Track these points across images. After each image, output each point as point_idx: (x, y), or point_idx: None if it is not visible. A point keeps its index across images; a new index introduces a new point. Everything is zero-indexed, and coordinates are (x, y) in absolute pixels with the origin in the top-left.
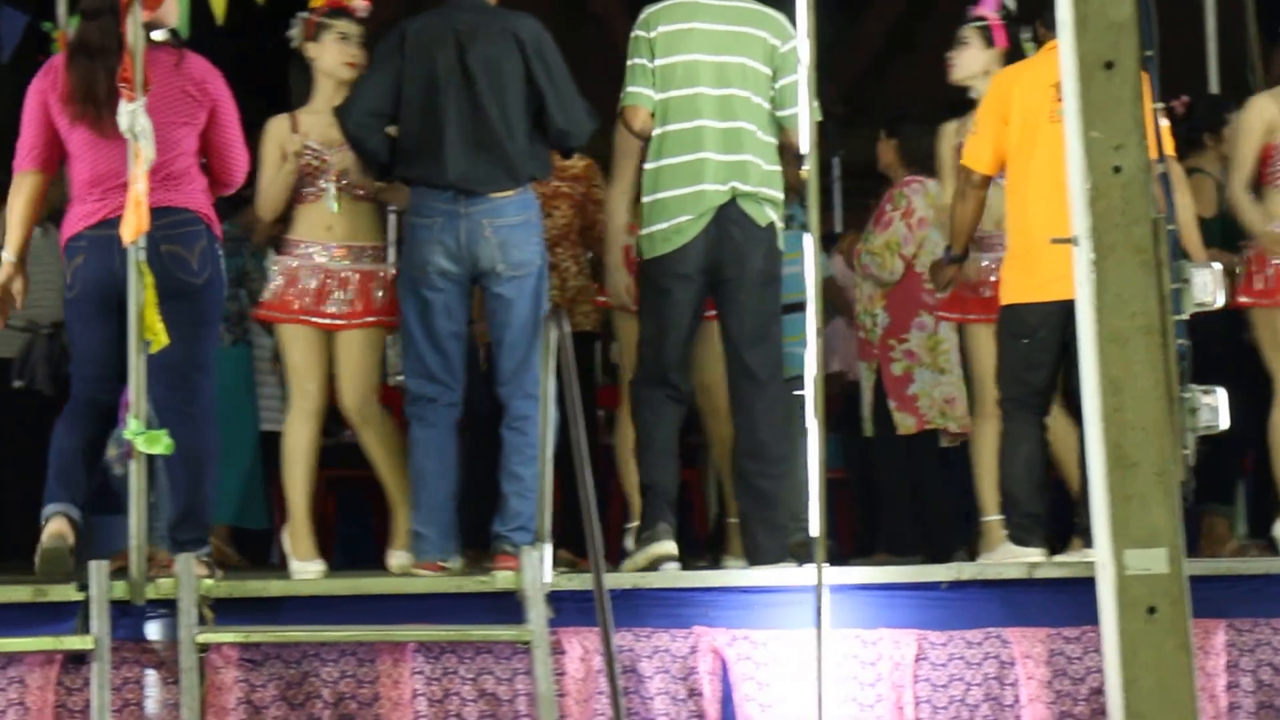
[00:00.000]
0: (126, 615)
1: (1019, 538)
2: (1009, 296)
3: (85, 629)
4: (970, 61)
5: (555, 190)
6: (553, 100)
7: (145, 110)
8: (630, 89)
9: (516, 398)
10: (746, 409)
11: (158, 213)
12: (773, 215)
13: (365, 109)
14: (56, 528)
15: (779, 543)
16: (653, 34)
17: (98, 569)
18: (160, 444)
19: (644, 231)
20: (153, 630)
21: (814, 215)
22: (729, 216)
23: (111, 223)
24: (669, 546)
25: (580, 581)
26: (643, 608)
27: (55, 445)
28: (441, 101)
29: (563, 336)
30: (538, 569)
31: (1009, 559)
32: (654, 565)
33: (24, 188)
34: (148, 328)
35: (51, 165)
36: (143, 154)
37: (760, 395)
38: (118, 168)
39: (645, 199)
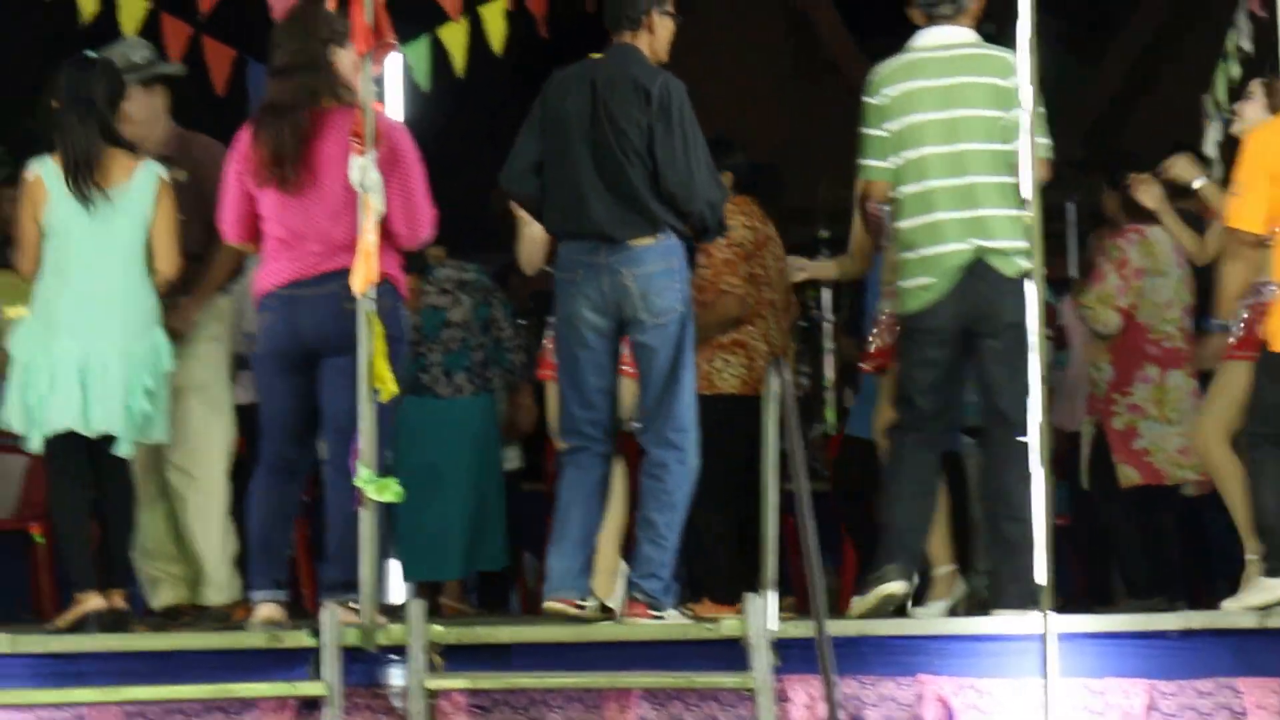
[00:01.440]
0: (358, 661)
1: (1274, 569)
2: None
3: (318, 675)
4: (1255, 115)
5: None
6: (665, 159)
7: (376, 165)
8: (864, 161)
9: (655, 445)
10: (999, 456)
11: (340, 274)
12: (1022, 263)
13: (521, 164)
14: (267, 614)
15: (1023, 589)
16: (879, 99)
17: (330, 615)
18: (390, 491)
19: (899, 284)
20: (384, 676)
21: (1038, 260)
22: (975, 273)
23: (300, 283)
24: (896, 587)
25: (805, 628)
26: (867, 655)
27: (253, 514)
28: (578, 152)
29: (784, 385)
30: (762, 616)
31: (1264, 593)
32: (881, 606)
33: (226, 258)
34: (377, 377)
35: (254, 233)
36: (373, 207)
37: (1010, 442)
38: (304, 227)
39: (899, 256)
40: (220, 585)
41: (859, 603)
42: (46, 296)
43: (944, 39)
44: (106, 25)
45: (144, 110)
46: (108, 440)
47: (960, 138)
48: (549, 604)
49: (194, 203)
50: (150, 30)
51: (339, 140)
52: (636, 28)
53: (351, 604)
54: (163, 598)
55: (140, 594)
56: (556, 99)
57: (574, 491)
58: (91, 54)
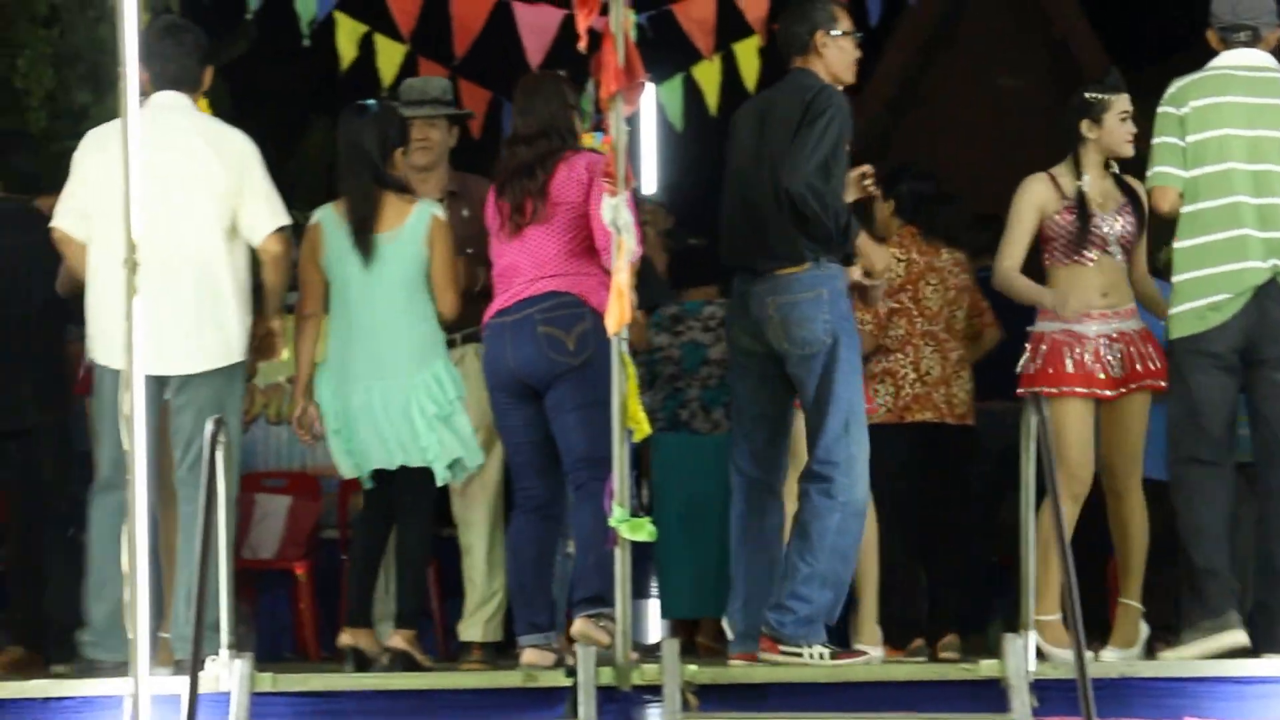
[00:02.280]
0: (613, 701)
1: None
2: None
3: (574, 714)
4: None
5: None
6: (787, 155)
7: (627, 205)
8: (1159, 169)
9: (803, 477)
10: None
11: (540, 298)
12: None
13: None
14: (530, 659)
15: None
16: (1184, 110)
17: (585, 656)
18: (644, 531)
19: (1174, 311)
20: (639, 716)
21: None
22: (1268, 294)
23: (505, 310)
24: (1240, 637)
25: (1065, 670)
26: (1129, 697)
27: (510, 558)
28: (735, 181)
29: (1042, 423)
30: (1022, 657)
31: None
32: (1222, 655)
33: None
34: (630, 417)
35: None
36: (625, 246)
37: None
38: (520, 259)
39: (1176, 278)
40: (484, 624)
41: (1197, 648)
42: (335, 340)
43: (1247, 60)
44: (365, 71)
45: (436, 145)
46: (406, 479)
47: (1263, 157)
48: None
49: (480, 237)
50: (406, 74)
51: (567, 179)
52: (805, 52)
53: (603, 620)
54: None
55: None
56: (734, 131)
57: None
58: (368, 102)
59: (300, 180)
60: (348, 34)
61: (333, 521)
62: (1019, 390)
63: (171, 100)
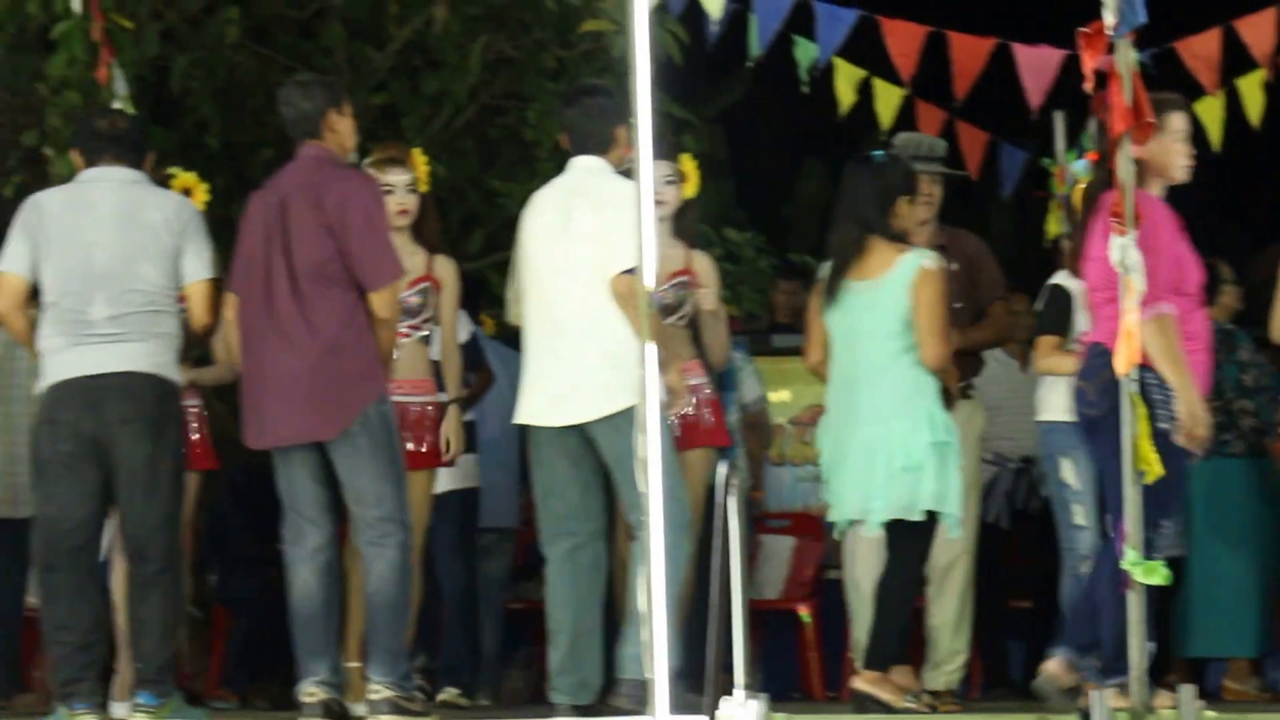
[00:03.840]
0: None
1: None
2: None
3: None
4: None
5: None
6: None
7: (1136, 245)
8: None
9: None
10: None
11: None
12: None
13: None
14: (1054, 670)
15: None
16: None
17: (1099, 699)
18: (1158, 574)
19: None
20: None
21: None
22: None
23: None
24: None
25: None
26: None
27: None
28: None
29: None
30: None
31: None
32: None
33: None
34: (1141, 458)
35: None
36: (1134, 287)
37: None
38: None
39: None
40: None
41: None
42: (833, 386)
43: None
44: (861, 115)
45: (937, 201)
46: (895, 526)
47: None
48: None
49: (966, 290)
50: (905, 117)
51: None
52: None
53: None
54: None
55: None
56: None
57: None
58: (875, 153)
59: (795, 224)
60: (847, 79)
61: (836, 562)
62: None
63: (591, 163)
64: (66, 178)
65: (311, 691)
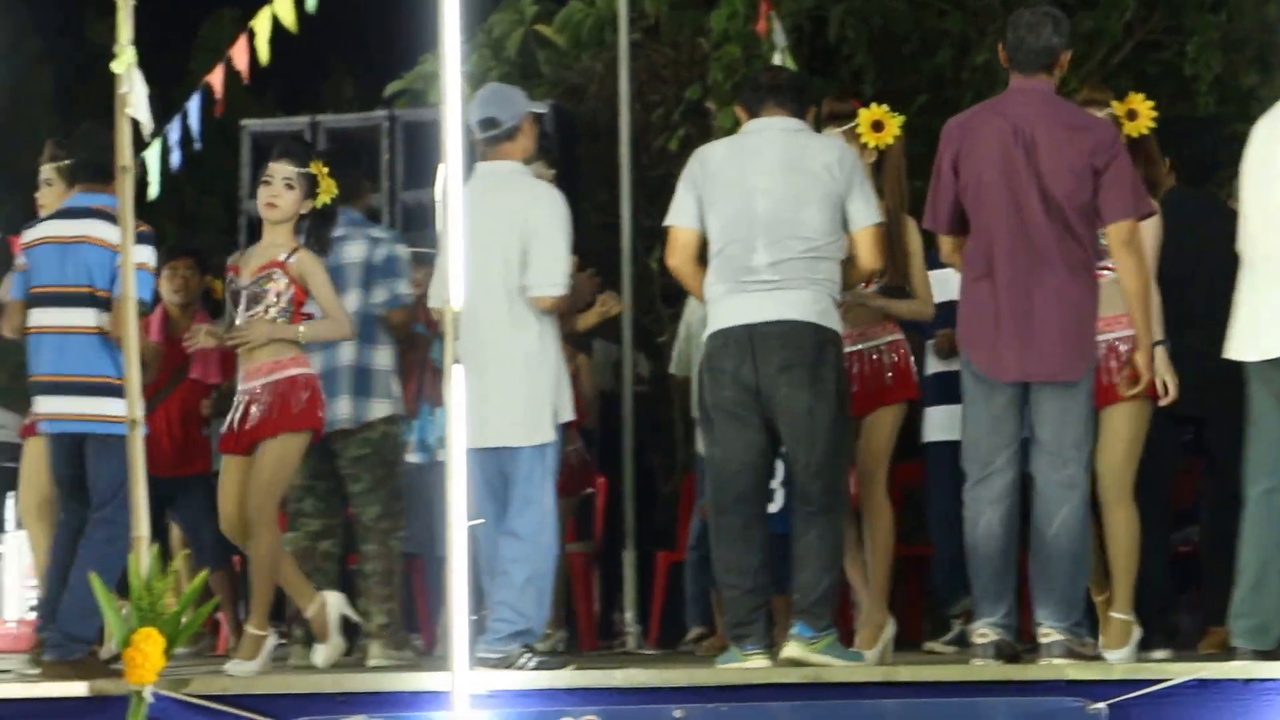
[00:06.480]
0: None
1: None
2: None
3: None
4: None
5: None
6: None
7: None
8: None
9: None
10: None
11: None
12: None
13: None
14: None
15: None
16: None
17: None
18: None
19: None
20: None
21: None
22: None
23: None
24: None
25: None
26: None
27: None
28: None
29: None
30: None
31: None
32: None
33: None
34: None
35: None
36: None
37: None
38: None
39: None
40: None
41: None
42: None
43: None
44: None
45: None
46: None
47: None
48: None
49: None
50: None
51: None
52: None
53: None
54: None
55: None
56: None
57: None
58: None
59: None
60: None
61: None
62: None
63: None
64: (729, 130)
65: (984, 632)
